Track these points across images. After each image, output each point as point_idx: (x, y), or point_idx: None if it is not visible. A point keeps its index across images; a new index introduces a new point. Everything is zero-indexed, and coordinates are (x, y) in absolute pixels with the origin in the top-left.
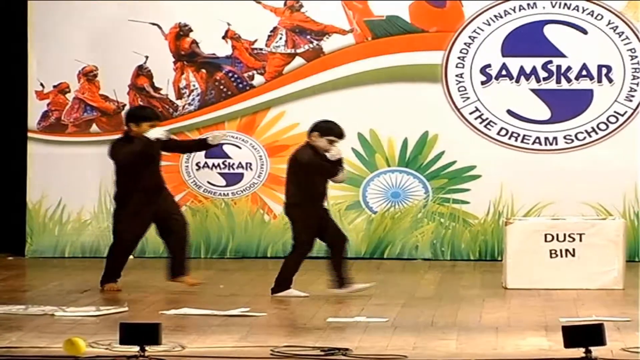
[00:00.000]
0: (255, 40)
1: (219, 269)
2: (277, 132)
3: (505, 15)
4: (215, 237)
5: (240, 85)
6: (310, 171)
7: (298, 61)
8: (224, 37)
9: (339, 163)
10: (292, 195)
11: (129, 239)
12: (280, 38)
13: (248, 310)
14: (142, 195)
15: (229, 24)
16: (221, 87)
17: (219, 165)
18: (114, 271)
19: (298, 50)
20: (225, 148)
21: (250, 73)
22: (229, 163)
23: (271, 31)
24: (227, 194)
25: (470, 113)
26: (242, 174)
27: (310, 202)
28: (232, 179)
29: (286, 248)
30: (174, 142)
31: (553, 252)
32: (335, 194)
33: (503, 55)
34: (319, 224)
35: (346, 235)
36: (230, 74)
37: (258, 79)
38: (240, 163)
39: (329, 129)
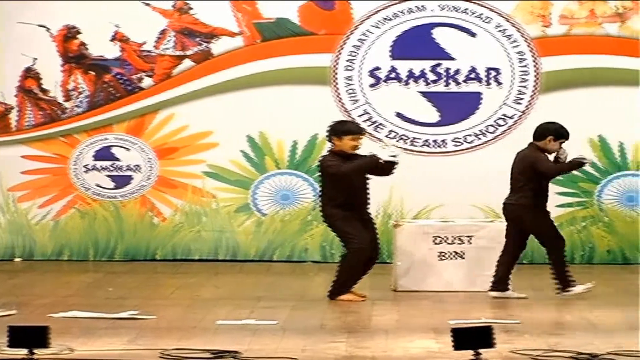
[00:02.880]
0: (144, 42)
1: (107, 271)
2: (166, 134)
3: (394, 17)
4: (103, 239)
5: (129, 88)
6: (541, 170)
7: (187, 63)
8: (112, 39)
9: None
10: (529, 197)
11: (363, 248)
12: (169, 40)
13: (137, 313)
14: (353, 211)
15: (117, 26)
16: (110, 89)
17: (107, 167)
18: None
19: (187, 52)
20: (114, 150)
21: (139, 75)
22: (118, 165)
23: (160, 33)
24: (116, 196)
25: (360, 115)
26: (130, 177)
27: (543, 202)
28: (121, 181)
29: (175, 251)
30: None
31: (442, 254)
32: (225, 196)
33: (392, 58)
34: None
35: (564, 237)
36: (118, 76)
37: (147, 81)
38: (128, 165)
39: (562, 134)
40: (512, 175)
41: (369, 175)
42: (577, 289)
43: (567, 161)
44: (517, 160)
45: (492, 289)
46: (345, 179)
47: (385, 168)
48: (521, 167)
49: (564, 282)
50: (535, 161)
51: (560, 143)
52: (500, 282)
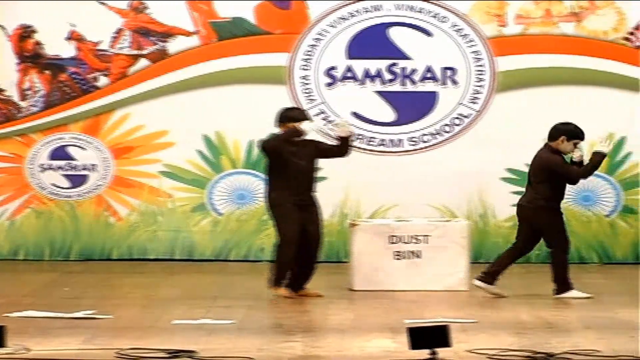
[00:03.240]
0: (100, 42)
1: (63, 271)
2: (122, 133)
3: (350, 17)
4: (59, 239)
5: (85, 87)
6: (561, 175)
7: (143, 62)
8: (68, 39)
9: (582, 164)
10: (544, 199)
11: (287, 241)
12: (125, 39)
13: (93, 313)
14: (294, 196)
15: (73, 25)
16: (65, 88)
17: (63, 167)
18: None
19: (143, 52)
20: (70, 150)
21: (94, 74)
22: (73, 165)
23: (116, 32)
24: (72, 196)
25: (316, 115)
26: (86, 176)
27: (558, 204)
28: (77, 180)
29: (131, 250)
30: (325, 146)
31: (398, 253)
32: (181, 196)
33: (348, 58)
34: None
35: (570, 241)
36: (74, 76)
37: (103, 81)
38: (84, 165)
39: (576, 134)
40: (528, 176)
41: (326, 160)
42: (574, 293)
43: (585, 160)
44: (533, 161)
45: (478, 278)
46: (268, 152)
47: (335, 150)
48: (535, 168)
49: (563, 286)
50: (554, 168)
51: (575, 144)
52: (490, 275)
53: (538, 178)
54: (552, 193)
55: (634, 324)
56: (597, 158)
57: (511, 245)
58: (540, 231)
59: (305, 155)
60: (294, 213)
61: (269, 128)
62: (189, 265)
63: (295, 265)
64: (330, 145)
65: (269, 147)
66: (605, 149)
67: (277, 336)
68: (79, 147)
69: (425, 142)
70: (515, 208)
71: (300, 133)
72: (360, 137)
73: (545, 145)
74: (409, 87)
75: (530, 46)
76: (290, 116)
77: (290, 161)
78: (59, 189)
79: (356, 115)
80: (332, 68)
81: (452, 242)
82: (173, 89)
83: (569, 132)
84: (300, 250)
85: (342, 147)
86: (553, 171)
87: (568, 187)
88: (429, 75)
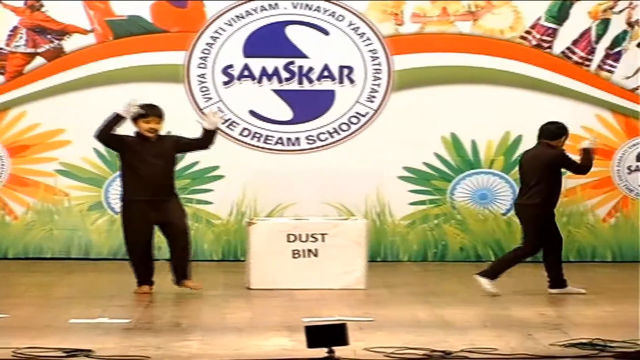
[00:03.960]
0: None
1: None
2: (18, 132)
3: (247, 15)
4: None
5: None
6: (570, 166)
7: (39, 61)
8: None
9: None
10: (541, 198)
11: (128, 246)
12: (21, 37)
13: None
14: (140, 195)
15: None
16: None
17: None
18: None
19: (39, 50)
20: None
21: None
22: None
23: (11, 30)
24: None
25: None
26: None
27: (554, 205)
28: None
29: (27, 249)
30: (185, 140)
31: (296, 252)
32: (77, 194)
33: (245, 56)
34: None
35: (539, 249)
36: None
37: None
38: None
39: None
40: (523, 175)
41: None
42: (488, 286)
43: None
44: (528, 159)
45: (550, 287)
46: (104, 144)
47: (197, 143)
48: (536, 165)
49: (492, 274)
50: (563, 162)
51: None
52: (556, 281)
53: (538, 177)
54: (549, 194)
55: (530, 322)
56: (588, 152)
57: (543, 250)
58: (523, 224)
59: (159, 152)
60: (138, 216)
61: (166, 126)
62: (85, 264)
63: (170, 260)
64: (191, 139)
65: (97, 138)
66: (592, 145)
67: (174, 335)
68: None
69: (322, 140)
70: (409, 207)
71: (118, 119)
72: (257, 135)
73: (542, 143)
74: (306, 86)
75: (426, 45)
76: (141, 112)
77: (139, 159)
78: None
79: (253, 113)
80: (229, 66)
81: (350, 241)
82: (69, 87)
83: (567, 130)
84: (170, 244)
85: (205, 140)
86: (559, 165)
87: (465, 185)
88: (326, 73)
